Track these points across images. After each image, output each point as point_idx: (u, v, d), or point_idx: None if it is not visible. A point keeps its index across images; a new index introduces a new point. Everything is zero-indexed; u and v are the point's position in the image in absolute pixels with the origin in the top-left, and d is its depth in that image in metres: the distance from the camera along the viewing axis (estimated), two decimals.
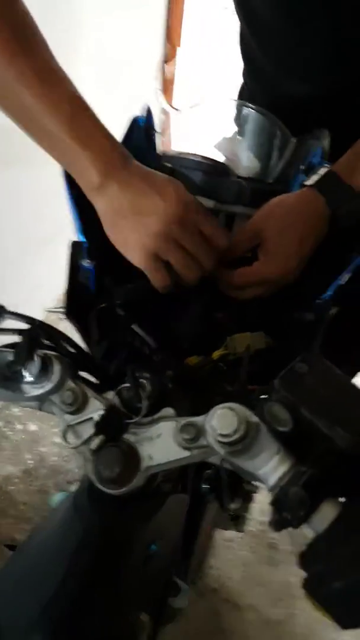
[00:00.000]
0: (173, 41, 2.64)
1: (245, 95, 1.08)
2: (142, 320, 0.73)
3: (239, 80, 1.12)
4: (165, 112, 0.83)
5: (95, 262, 0.69)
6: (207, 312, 0.76)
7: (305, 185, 0.70)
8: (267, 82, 0.97)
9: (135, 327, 0.74)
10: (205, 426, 0.48)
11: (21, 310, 0.55)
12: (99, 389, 0.56)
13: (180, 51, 2.72)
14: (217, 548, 1.68)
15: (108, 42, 2.12)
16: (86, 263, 0.68)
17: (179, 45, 2.68)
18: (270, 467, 0.43)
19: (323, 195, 0.69)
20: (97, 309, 0.70)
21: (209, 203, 0.74)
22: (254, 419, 0.46)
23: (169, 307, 0.75)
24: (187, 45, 2.73)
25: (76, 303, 0.69)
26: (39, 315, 0.56)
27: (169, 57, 2.67)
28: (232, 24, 1.06)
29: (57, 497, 1.70)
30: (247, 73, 1.08)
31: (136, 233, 0.61)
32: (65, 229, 0.73)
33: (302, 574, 0.38)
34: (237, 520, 1.09)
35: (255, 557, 1.68)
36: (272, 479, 0.42)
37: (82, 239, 0.67)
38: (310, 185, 0.70)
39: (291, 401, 0.42)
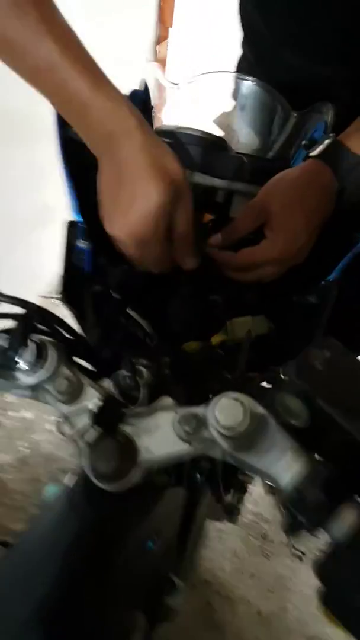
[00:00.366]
0: (165, 21, 2.57)
1: (244, 68, 1.03)
2: (138, 304, 0.69)
3: (234, 60, 1.08)
4: (160, 88, 0.79)
5: (91, 243, 0.64)
6: (201, 294, 0.73)
7: (309, 157, 0.66)
8: (267, 53, 0.92)
9: (130, 311, 0.70)
10: (207, 417, 0.45)
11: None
12: (95, 377, 0.52)
13: (172, 31, 2.66)
14: (208, 539, 1.65)
15: (97, 24, 2.05)
16: (82, 244, 0.64)
17: (171, 26, 2.62)
18: (282, 466, 0.39)
19: (329, 166, 0.65)
20: (92, 292, 0.66)
21: (207, 179, 0.70)
22: (260, 410, 0.43)
23: (164, 289, 0.71)
24: (179, 25, 2.66)
25: (72, 286, 0.65)
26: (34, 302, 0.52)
27: (161, 37, 2.61)
28: (225, 3, 1.01)
29: (50, 490, 1.66)
30: (246, 44, 1.02)
31: (127, 211, 0.56)
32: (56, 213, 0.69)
33: (295, 566, 0.35)
34: (230, 512, 1.06)
35: (247, 548, 1.66)
36: (285, 479, 0.38)
37: (78, 218, 0.63)
38: (315, 156, 0.66)
39: (306, 391, 0.38)
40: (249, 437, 0.42)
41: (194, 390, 0.57)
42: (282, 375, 0.38)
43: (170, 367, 0.58)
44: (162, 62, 2.68)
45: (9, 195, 1.86)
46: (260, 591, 1.58)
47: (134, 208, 0.55)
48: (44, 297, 2.16)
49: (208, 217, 0.76)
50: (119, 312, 0.68)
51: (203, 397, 0.54)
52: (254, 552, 1.65)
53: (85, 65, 0.54)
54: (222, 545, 1.65)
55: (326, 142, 0.66)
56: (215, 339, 0.63)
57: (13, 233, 1.98)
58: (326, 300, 0.62)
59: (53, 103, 0.57)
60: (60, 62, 0.52)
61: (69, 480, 0.58)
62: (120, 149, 0.54)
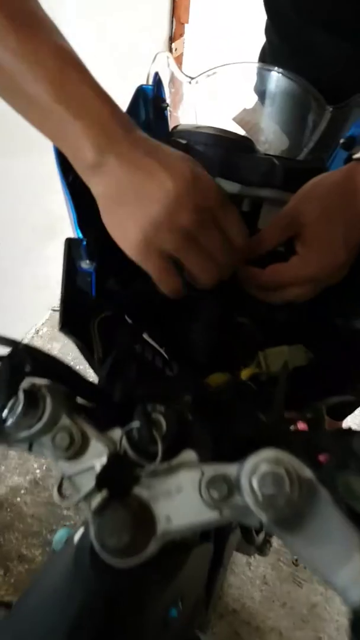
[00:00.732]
0: (180, 17, 2.48)
1: (268, 58, 0.94)
2: (154, 328, 0.60)
3: (256, 55, 0.98)
4: (176, 84, 0.72)
5: (95, 263, 0.56)
6: (227, 315, 0.63)
7: (351, 159, 0.57)
8: (295, 37, 0.83)
9: (146, 337, 0.62)
10: (241, 481, 0.36)
11: (26, 310, 0.42)
12: (104, 426, 0.44)
13: (187, 28, 2.55)
14: (236, 565, 1.56)
15: (108, 22, 1.98)
16: (85, 264, 0.56)
17: (186, 22, 2.52)
18: (347, 573, 0.29)
19: None
20: (100, 318, 0.57)
21: (231, 186, 0.61)
22: (308, 474, 0.34)
23: (184, 311, 0.62)
24: (196, 21, 2.54)
25: (74, 313, 0.56)
26: (44, 315, 0.44)
27: (176, 34, 2.52)
28: None
29: (59, 536, 1.57)
30: (271, 30, 0.93)
31: (137, 222, 0.47)
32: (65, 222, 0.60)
33: (329, 594, 0.26)
34: (261, 549, 0.97)
35: (277, 574, 1.56)
36: (355, 595, 0.28)
37: (79, 235, 0.55)
38: (358, 159, 0.56)
39: None
40: (296, 512, 0.33)
41: (220, 437, 0.48)
42: (352, 448, 0.28)
43: (193, 408, 0.49)
44: (178, 60, 2.59)
45: (17, 205, 1.80)
46: (292, 621, 1.48)
47: (147, 208, 0.46)
48: (55, 309, 2.09)
49: None
50: (133, 340, 0.60)
51: (232, 447, 0.46)
52: (285, 579, 1.55)
53: (48, 67, 0.45)
54: (251, 572, 1.56)
55: None
56: (246, 373, 0.54)
57: (22, 243, 1.91)
58: None
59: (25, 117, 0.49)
60: (19, 65, 0.44)
61: (78, 537, 0.50)
62: (104, 161, 0.46)
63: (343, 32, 0.76)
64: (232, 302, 0.63)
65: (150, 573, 0.45)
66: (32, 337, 2.12)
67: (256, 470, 0.35)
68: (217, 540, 0.70)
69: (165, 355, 0.68)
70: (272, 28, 0.91)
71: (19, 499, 1.69)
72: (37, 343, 2.09)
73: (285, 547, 0.34)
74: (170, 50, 2.49)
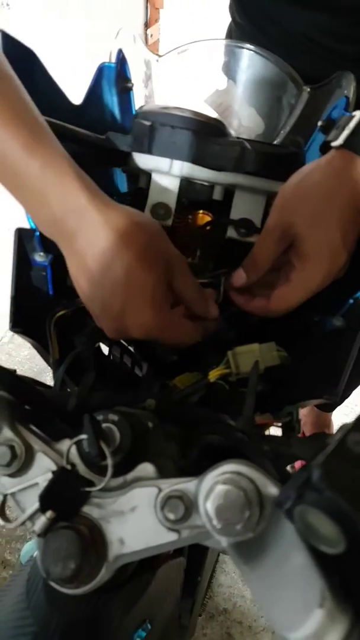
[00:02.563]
0: (155, 2, 2.41)
1: (235, 37, 0.88)
2: None
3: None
4: (147, 64, 0.68)
5: (52, 256, 0.52)
6: None
7: (330, 147, 0.51)
8: (260, 15, 0.77)
9: None
10: (198, 500, 0.32)
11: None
12: (55, 436, 0.40)
13: (163, 13, 2.49)
14: (226, 563, 1.53)
15: (85, 8, 1.92)
16: (39, 257, 0.51)
17: (161, 7, 2.45)
18: (304, 635, 0.23)
19: None
20: (56, 316, 0.53)
21: (201, 172, 0.56)
22: (273, 491, 0.30)
23: None
24: (170, 6, 2.48)
25: (28, 310, 0.52)
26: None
27: (151, 20, 2.45)
28: None
29: (26, 548, 1.50)
30: (235, 7, 0.86)
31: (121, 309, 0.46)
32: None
33: None
34: None
35: None
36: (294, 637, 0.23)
37: (31, 225, 0.50)
38: (340, 146, 0.50)
39: (339, 507, 0.22)
40: (255, 538, 0.29)
41: (186, 443, 0.44)
42: (308, 477, 0.23)
43: (156, 414, 0.45)
44: (154, 47, 2.53)
45: None
46: None
47: (127, 297, 0.45)
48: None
49: (204, 218, 0.62)
50: (97, 338, 0.55)
51: (198, 456, 0.42)
52: None
53: (20, 125, 0.43)
54: None
55: (352, 124, 0.49)
56: (213, 374, 0.50)
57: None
58: (355, 323, 0.48)
59: None
60: None
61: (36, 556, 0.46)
62: (75, 235, 0.44)
63: (313, 3, 0.71)
64: None
65: (109, 598, 0.42)
66: (9, 340, 2.07)
67: (212, 490, 0.31)
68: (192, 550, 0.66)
69: (134, 353, 0.64)
70: (237, 4, 0.86)
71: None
72: (10, 348, 2.05)
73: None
74: (146, 36, 2.42)
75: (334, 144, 0.50)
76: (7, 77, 0.45)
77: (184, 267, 0.49)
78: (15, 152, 0.43)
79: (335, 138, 0.50)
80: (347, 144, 0.50)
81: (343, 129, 0.50)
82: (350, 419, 0.24)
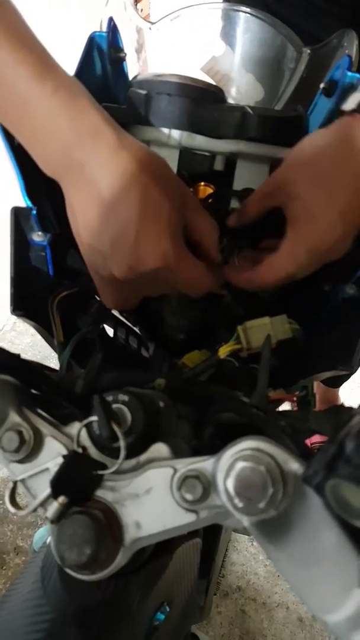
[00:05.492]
0: None
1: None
2: None
3: None
4: (140, 33, 0.66)
5: (50, 235, 0.50)
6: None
7: (341, 112, 0.49)
8: None
9: (118, 314, 0.56)
10: (217, 478, 0.31)
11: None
12: (65, 419, 0.38)
13: None
14: (238, 542, 1.53)
15: None
16: (37, 237, 0.49)
17: None
18: (346, 615, 0.22)
19: None
20: (59, 297, 0.51)
21: (200, 141, 0.54)
22: (295, 467, 0.28)
23: None
24: None
25: (29, 293, 0.50)
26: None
27: None
28: None
29: (38, 534, 1.50)
30: None
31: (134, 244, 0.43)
32: None
33: None
34: None
35: None
36: (334, 617, 0.22)
37: (28, 204, 0.48)
38: (352, 111, 0.48)
39: None
40: (280, 516, 0.27)
41: (199, 425, 0.43)
42: (341, 449, 0.21)
43: (167, 393, 0.43)
44: (145, 19, 2.47)
45: None
46: None
47: (142, 233, 0.42)
48: None
49: (206, 190, 0.60)
50: (101, 319, 0.54)
51: (212, 435, 0.40)
52: None
53: (27, 52, 0.40)
54: (255, 547, 1.53)
55: None
56: (223, 350, 0.48)
57: None
58: None
59: None
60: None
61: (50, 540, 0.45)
62: (87, 162, 0.41)
63: None
64: None
65: (126, 582, 0.41)
66: (10, 328, 2.06)
67: (232, 468, 0.30)
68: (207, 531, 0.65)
69: (140, 334, 0.62)
70: None
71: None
72: (12, 336, 2.03)
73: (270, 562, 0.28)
74: (136, 9, 2.37)
75: (346, 107, 0.48)
76: (6, 2, 0.43)
77: (196, 201, 0.47)
78: (25, 79, 0.40)
79: (343, 101, 0.48)
80: (359, 109, 0.47)
81: (352, 92, 0.48)
82: (356, 394, 0.23)
